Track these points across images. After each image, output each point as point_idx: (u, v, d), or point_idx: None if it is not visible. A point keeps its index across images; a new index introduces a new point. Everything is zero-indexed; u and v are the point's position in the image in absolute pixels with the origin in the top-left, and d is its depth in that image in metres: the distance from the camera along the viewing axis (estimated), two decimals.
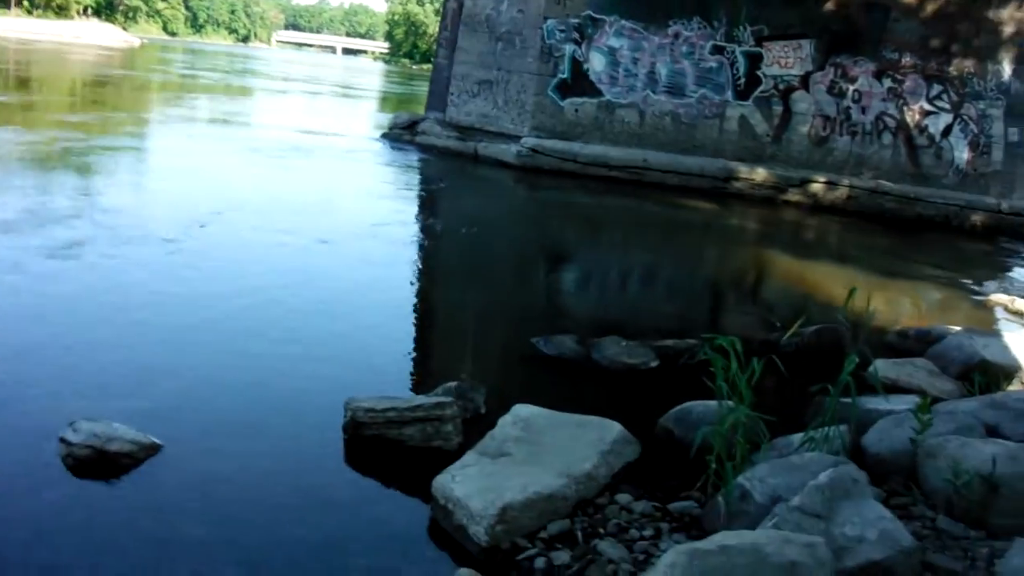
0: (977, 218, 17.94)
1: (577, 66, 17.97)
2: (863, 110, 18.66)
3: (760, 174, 17.83)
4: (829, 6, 18.30)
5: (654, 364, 6.42)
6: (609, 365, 6.34)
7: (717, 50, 18.33)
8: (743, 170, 17.83)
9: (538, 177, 16.96)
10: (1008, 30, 18.62)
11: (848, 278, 11.85)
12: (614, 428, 4.56)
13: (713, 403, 4.45)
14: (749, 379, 4.28)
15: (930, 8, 18.40)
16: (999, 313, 10.61)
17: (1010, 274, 14.02)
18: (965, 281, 12.51)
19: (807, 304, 9.79)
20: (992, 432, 4.89)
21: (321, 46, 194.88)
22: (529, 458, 4.24)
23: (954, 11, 18.45)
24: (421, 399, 4.82)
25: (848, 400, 4.79)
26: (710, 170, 17.71)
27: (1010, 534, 3.76)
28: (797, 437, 4.61)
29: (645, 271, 11.27)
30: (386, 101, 44.75)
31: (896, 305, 10.78)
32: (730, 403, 4.27)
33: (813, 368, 4.52)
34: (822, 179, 17.89)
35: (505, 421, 4.58)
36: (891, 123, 18.70)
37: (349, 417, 4.66)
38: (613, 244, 12.70)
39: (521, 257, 11.23)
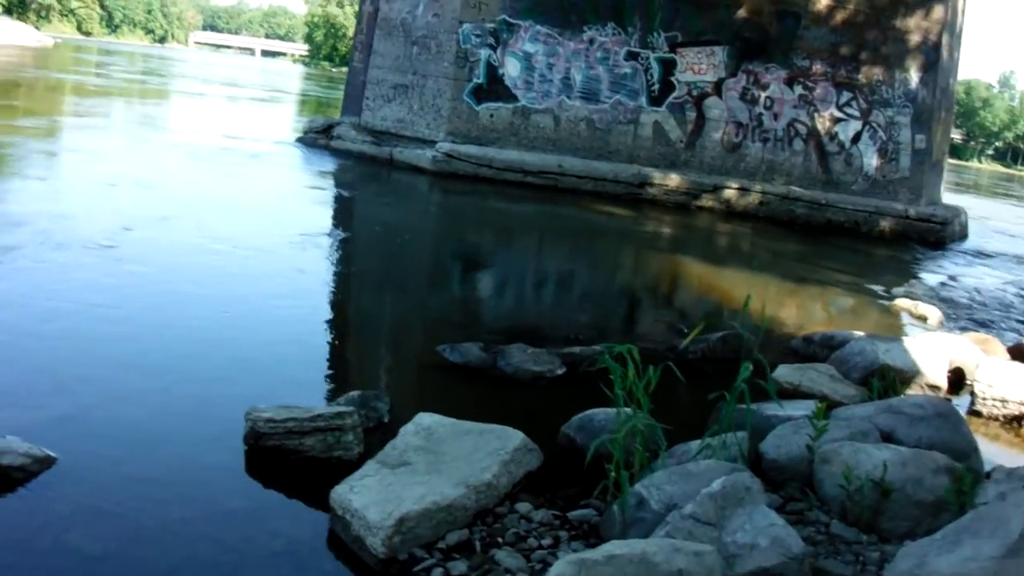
0: (885, 224, 18.31)
1: (492, 71, 18.01)
2: (775, 117, 18.95)
3: (674, 180, 18.00)
4: (742, 13, 18.56)
5: (560, 372, 6.41)
6: (514, 373, 6.33)
7: (631, 56, 18.47)
8: (657, 176, 17.99)
9: (453, 182, 16.95)
10: (915, 39, 19.06)
11: (758, 283, 12.03)
12: (516, 437, 4.54)
13: (628, 410, 4.46)
14: (646, 386, 4.31)
15: (840, 16, 18.77)
16: (904, 318, 10.82)
17: (916, 279, 14.31)
18: (872, 286, 12.73)
19: (717, 310, 9.91)
20: (887, 437, 4.99)
21: (240, 48, 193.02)
22: (430, 468, 4.21)
23: (863, 19, 18.84)
24: (322, 409, 4.77)
25: (750, 406, 4.86)
26: (624, 176, 17.84)
27: (901, 538, 3.86)
28: (696, 444, 4.65)
29: (557, 278, 11.30)
30: (304, 104, 44.48)
31: (803, 310, 10.97)
32: (628, 411, 4.29)
33: (718, 374, 4.57)
34: (735, 185, 18.14)
35: (407, 430, 4.54)
36: (802, 130, 19.01)
37: (249, 428, 4.59)
38: (526, 250, 12.72)
39: (433, 264, 11.21)
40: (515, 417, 4.98)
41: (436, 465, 4.24)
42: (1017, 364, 8.19)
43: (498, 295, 9.98)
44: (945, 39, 19.65)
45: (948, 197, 33.64)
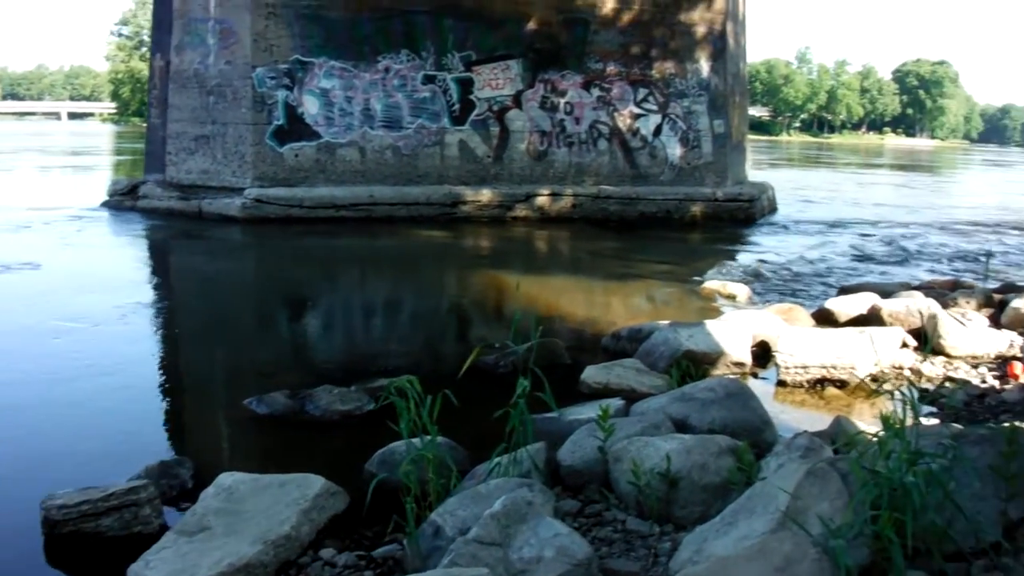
0: (696, 209, 18.95)
1: (292, 111, 17.85)
2: (577, 121, 19.36)
3: (486, 195, 18.21)
4: (532, 26, 18.89)
5: (369, 407, 6.36)
6: (322, 416, 6.28)
7: (428, 80, 18.58)
8: (469, 193, 18.17)
9: (266, 227, 16.73)
10: (701, 30, 19.78)
11: (575, 286, 12.28)
12: (316, 483, 4.50)
13: (416, 441, 4.49)
14: (431, 411, 4.36)
15: (627, 17, 19.29)
16: (714, 300, 11.15)
17: (728, 259, 14.77)
18: (685, 273, 13.10)
19: (535, 319, 10.02)
20: (681, 425, 5.13)
21: (45, 113, 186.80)
22: (229, 529, 4.14)
23: (649, 18, 19.43)
24: (115, 487, 4.66)
25: (552, 415, 4.96)
26: (436, 197, 17.94)
27: (695, 524, 3.95)
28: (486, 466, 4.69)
29: (372, 310, 11.27)
30: (119, 164, 43.30)
31: (617, 307, 11.20)
32: (416, 442, 4.34)
33: (534, 387, 4.61)
34: (546, 191, 18.46)
35: (207, 493, 4.47)
36: (605, 130, 19.50)
37: (44, 517, 4.47)
38: (341, 287, 12.60)
39: (246, 314, 10.97)
40: (324, 461, 4.99)
41: (235, 525, 4.17)
42: (817, 330, 8.54)
43: (311, 337, 9.89)
44: (730, 27, 20.46)
45: (767, 173, 34.88)
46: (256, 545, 3.98)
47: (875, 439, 3.57)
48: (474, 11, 18.67)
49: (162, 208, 18.41)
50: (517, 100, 19.09)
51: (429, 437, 4.37)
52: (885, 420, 3.46)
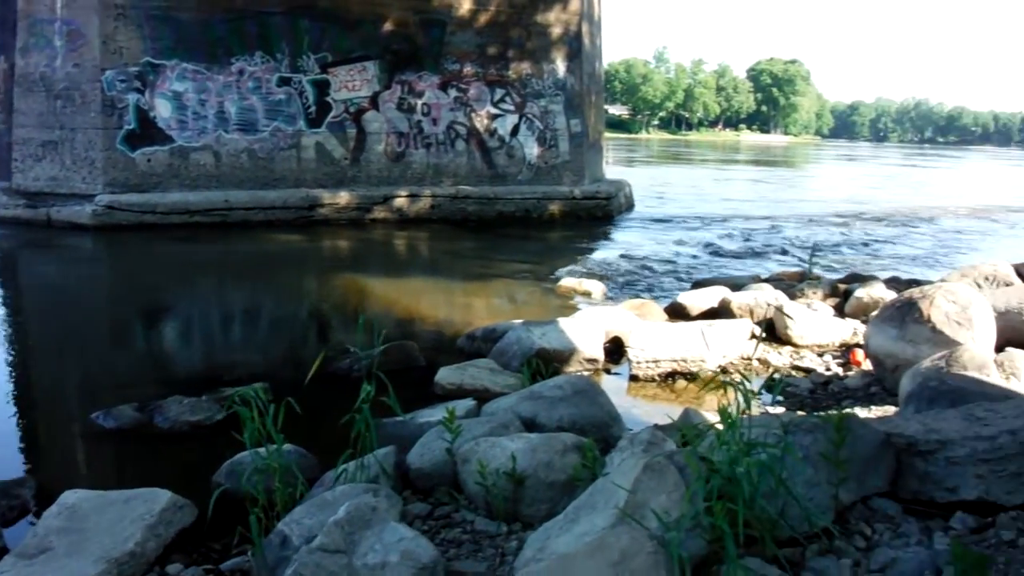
0: (554, 207, 19.18)
1: (143, 115, 17.43)
2: (434, 122, 19.37)
3: (344, 197, 18.06)
4: (388, 27, 18.82)
5: (220, 417, 6.24)
6: (172, 427, 6.15)
7: (284, 82, 18.36)
8: (326, 196, 17.99)
9: (119, 235, 16.30)
10: (557, 31, 19.98)
11: (433, 286, 12.27)
12: (163, 497, 4.42)
13: (262, 450, 4.43)
14: (276, 420, 4.32)
15: (483, 18, 19.38)
16: (569, 298, 11.27)
17: (585, 256, 14.98)
18: (543, 271, 13.19)
19: (394, 321, 9.99)
20: (530, 424, 5.18)
21: None
22: (71, 549, 4.03)
23: (506, 19, 19.55)
24: None
25: (402, 419, 4.95)
26: (293, 201, 17.74)
27: (542, 522, 3.99)
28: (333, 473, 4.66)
29: (227, 318, 11.04)
30: None
31: (474, 307, 11.24)
32: (262, 451, 4.30)
33: (380, 389, 4.58)
34: (404, 193, 18.41)
35: (50, 513, 4.34)
36: (462, 130, 19.56)
37: None
38: (194, 294, 12.30)
39: (94, 326, 10.59)
40: (173, 474, 4.90)
41: (79, 545, 4.06)
42: (668, 324, 8.71)
43: (164, 347, 9.63)
44: (585, 28, 20.70)
45: (627, 171, 35.34)
46: (99, 564, 3.89)
47: (713, 431, 3.67)
48: (329, 12, 18.50)
49: (8, 217, 17.75)
50: (374, 101, 19.01)
51: (275, 446, 4.32)
52: (722, 412, 3.54)
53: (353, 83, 18.83)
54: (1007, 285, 9.70)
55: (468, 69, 19.52)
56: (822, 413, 4.18)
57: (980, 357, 6.16)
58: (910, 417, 4.52)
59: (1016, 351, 7.78)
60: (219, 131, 17.92)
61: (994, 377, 6.08)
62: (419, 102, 19.29)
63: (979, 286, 9.69)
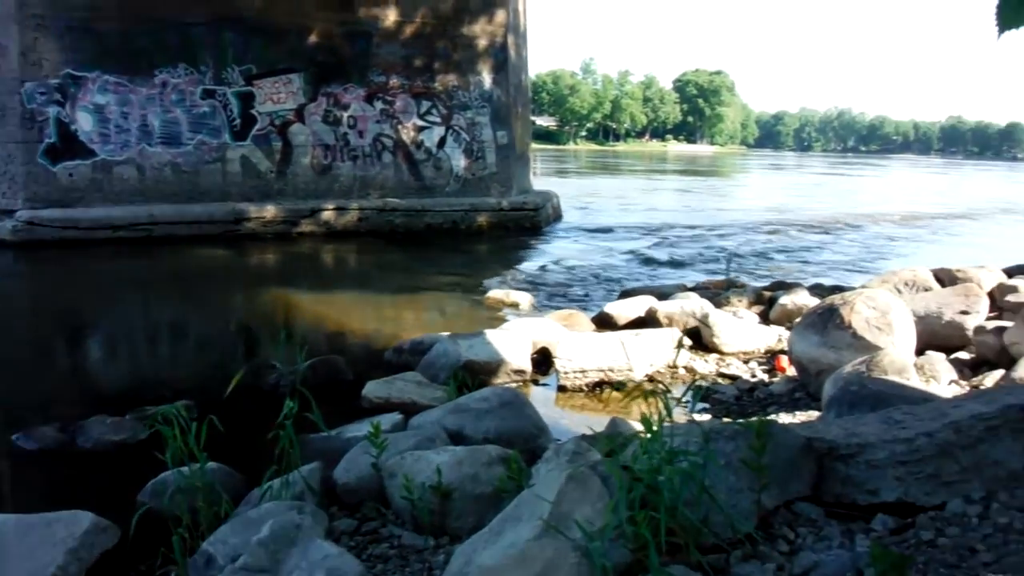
0: (482, 219, 19.17)
1: (64, 128, 17.17)
2: (360, 134, 19.31)
3: (270, 211, 17.91)
4: (313, 39, 18.75)
5: (143, 436, 6.12)
6: (94, 447, 6.04)
7: (208, 94, 18.22)
8: (252, 209, 17.84)
9: (40, 252, 15.99)
10: (483, 43, 20.00)
11: (360, 300, 12.19)
12: (85, 520, 4.32)
13: (185, 469, 4.38)
14: (198, 438, 4.27)
15: (409, 31, 19.36)
16: (497, 309, 11.28)
17: (513, 268, 14.99)
18: (471, 283, 13.18)
19: (322, 336, 9.93)
20: (457, 437, 5.18)
21: None
22: None
23: (431, 31, 19.56)
24: None
25: (328, 434, 4.91)
26: (219, 215, 17.57)
27: (469, 535, 3.98)
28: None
29: (152, 335, 10.88)
30: None
31: (401, 320, 11.20)
32: (185, 470, 4.25)
33: (304, 405, 4.53)
34: (331, 206, 18.30)
35: None
36: (389, 143, 19.52)
37: None
38: (119, 312, 12.08)
39: (15, 346, 10.23)
40: (97, 495, 4.81)
41: None
42: (595, 334, 8.76)
43: (88, 366, 9.47)
44: (511, 40, 20.73)
45: (555, 182, 35.45)
46: None
47: (638, 440, 3.69)
48: (254, 23, 18.38)
49: None
50: (300, 114, 18.91)
51: (197, 465, 4.28)
52: (644, 421, 3.55)
53: (278, 95, 18.72)
54: (926, 290, 9.90)
55: (394, 81, 19.49)
56: (743, 420, 4.22)
57: (900, 361, 6.28)
58: (832, 422, 4.59)
59: (936, 354, 7.96)
60: (142, 144, 17.70)
61: (914, 380, 6.19)
62: (345, 114, 19.22)
63: (899, 292, 9.87)
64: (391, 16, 19.20)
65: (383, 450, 4.51)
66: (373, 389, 6.96)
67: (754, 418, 5.07)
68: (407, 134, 19.59)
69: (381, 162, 19.48)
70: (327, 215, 18.22)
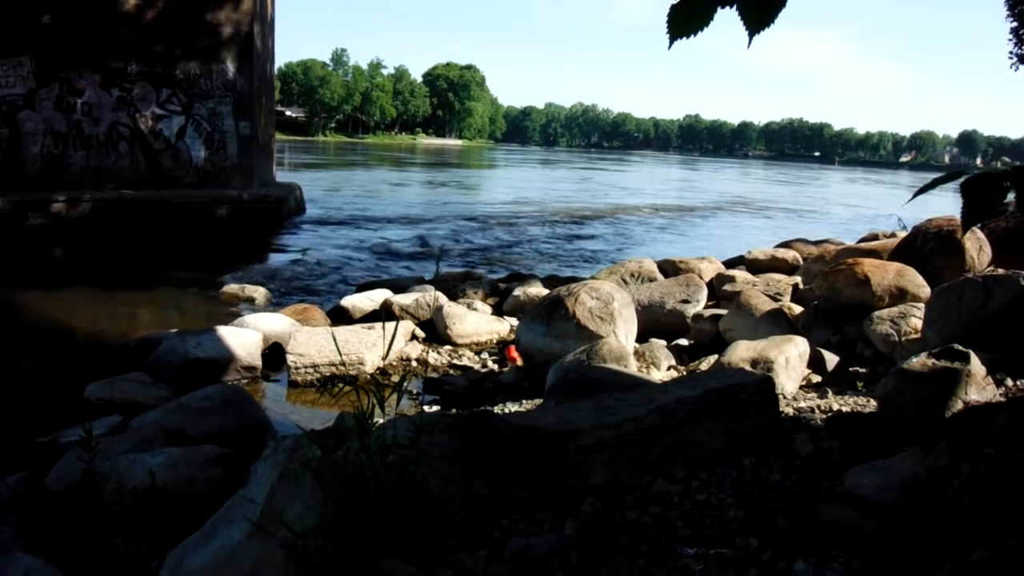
0: (222, 211, 18.67)
1: None
2: (95, 122, 18.51)
3: None
4: (46, 20, 17.86)
5: None
6: None
7: None
8: None
9: None
10: (228, 31, 19.50)
11: (95, 298, 11.77)
12: None
13: None
14: None
15: (150, 15, 18.70)
16: (232, 304, 11.13)
17: (251, 261, 14.81)
18: (207, 278, 12.91)
19: (48, 336, 9.54)
20: (178, 437, 5.10)
21: None
22: None
23: (174, 16, 18.92)
24: None
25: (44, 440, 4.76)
26: None
27: (186, 537, 3.91)
28: None
29: None
30: None
31: (131, 317, 10.88)
32: None
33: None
34: (63, 198, 17.41)
35: None
36: (125, 132, 18.77)
37: None
38: None
39: None
40: None
41: None
42: (327, 329, 8.77)
43: None
44: (257, 29, 20.31)
45: (302, 174, 35.00)
46: None
47: (353, 434, 3.73)
48: None
49: None
50: (30, 100, 17.97)
51: None
52: (359, 416, 3.58)
53: (7, 79, 17.74)
54: (651, 280, 10.40)
55: (133, 68, 18.75)
56: (457, 411, 4.34)
57: (619, 349, 6.59)
58: (549, 410, 4.77)
59: (657, 341, 8.41)
60: None
61: (632, 367, 6.52)
62: (79, 101, 18.37)
63: (625, 282, 10.35)
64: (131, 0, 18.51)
65: (96, 455, 4.39)
66: (95, 390, 6.75)
67: (482, 408, 5.24)
68: (145, 123, 18.91)
69: (117, 152, 18.73)
70: (58, 207, 17.31)
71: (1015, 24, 23.71)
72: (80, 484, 4.45)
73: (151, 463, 4.24)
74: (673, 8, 2.18)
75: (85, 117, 18.40)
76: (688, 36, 2.23)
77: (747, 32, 2.12)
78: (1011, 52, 24.02)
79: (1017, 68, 23.77)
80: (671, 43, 2.22)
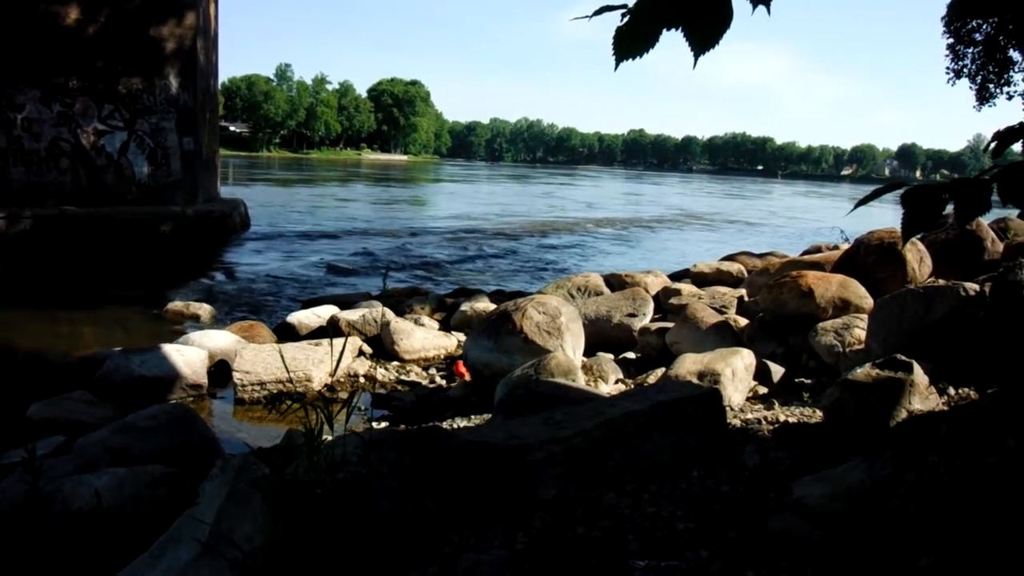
0: (166, 227, 18.46)
1: None
2: (36, 137, 18.19)
3: None
4: None
5: None
6: None
7: None
8: None
9: None
10: (171, 46, 19.30)
11: (38, 317, 11.60)
12: None
13: None
14: None
15: (92, 29, 18.47)
16: (177, 322, 11.03)
17: (196, 278, 14.66)
18: (151, 295, 12.76)
19: None
20: (124, 457, 5.03)
21: None
22: None
23: (116, 30, 18.66)
24: None
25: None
26: None
27: (133, 558, 3.86)
28: None
29: None
30: None
31: (75, 336, 10.73)
32: None
33: None
34: (2, 214, 17.05)
35: None
36: (67, 147, 18.48)
37: None
38: None
39: None
40: None
41: None
42: (273, 346, 8.72)
43: None
44: (200, 44, 20.12)
45: (246, 190, 34.79)
46: None
47: (302, 452, 3.70)
48: None
49: None
50: None
51: None
52: (308, 434, 3.56)
53: None
54: (597, 294, 10.45)
55: (74, 83, 18.49)
56: (406, 427, 4.33)
57: (567, 363, 6.61)
58: (497, 425, 4.78)
59: (605, 355, 8.44)
60: None
61: (580, 381, 6.53)
62: (19, 116, 18.06)
63: (572, 296, 10.39)
64: (72, 14, 18.23)
65: (40, 476, 4.32)
66: (38, 410, 6.64)
67: (431, 424, 5.23)
68: (87, 139, 18.64)
69: (58, 168, 18.42)
70: None
71: (951, 40, 24.28)
72: (23, 506, 4.35)
73: (97, 484, 4.19)
74: (619, 31, 2.20)
75: (25, 133, 18.09)
76: (634, 58, 2.25)
77: (692, 53, 2.15)
78: (948, 67, 24.64)
79: (954, 83, 24.45)
80: (617, 65, 2.24)
